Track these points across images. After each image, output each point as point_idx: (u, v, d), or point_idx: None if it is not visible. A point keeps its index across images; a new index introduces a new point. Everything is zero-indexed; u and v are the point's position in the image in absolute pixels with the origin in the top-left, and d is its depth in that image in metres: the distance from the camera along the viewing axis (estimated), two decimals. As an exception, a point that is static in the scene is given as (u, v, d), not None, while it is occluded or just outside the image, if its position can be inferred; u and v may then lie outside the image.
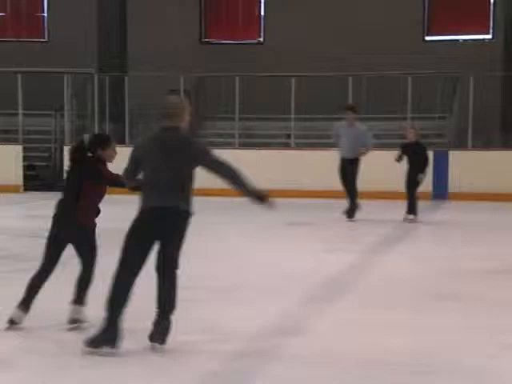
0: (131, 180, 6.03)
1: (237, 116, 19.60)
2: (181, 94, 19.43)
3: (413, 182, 13.69)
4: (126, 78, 20.28)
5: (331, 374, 5.37)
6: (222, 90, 19.80)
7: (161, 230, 5.73)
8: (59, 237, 6.32)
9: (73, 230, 6.29)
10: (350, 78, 19.02)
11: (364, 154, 13.76)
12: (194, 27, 23.09)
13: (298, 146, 19.51)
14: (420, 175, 13.64)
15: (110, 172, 6.37)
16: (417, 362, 5.64)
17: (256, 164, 15.66)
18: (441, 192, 17.56)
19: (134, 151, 5.98)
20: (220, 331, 6.40)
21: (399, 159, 13.75)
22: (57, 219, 6.35)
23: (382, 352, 5.88)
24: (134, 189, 6.06)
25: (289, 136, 20.03)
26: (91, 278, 6.33)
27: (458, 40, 21.91)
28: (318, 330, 6.51)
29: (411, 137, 13.89)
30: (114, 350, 5.62)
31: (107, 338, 5.62)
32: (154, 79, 19.76)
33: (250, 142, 19.65)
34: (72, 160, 6.44)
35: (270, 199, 5.82)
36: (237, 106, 19.45)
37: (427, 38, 22.11)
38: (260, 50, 22.23)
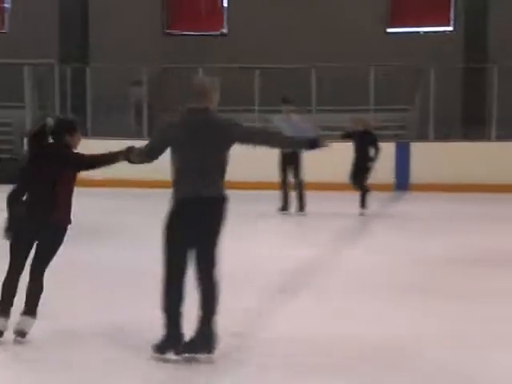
0: (143, 158, 5.60)
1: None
2: (144, 84, 19.35)
3: (360, 171, 13.54)
4: (88, 69, 20.11)
5: (304, 363, 5.43)
6: (185, 81, 19.69)
7: (199, 223, 5.30)
8: (28, 237, 5.72)
9: (47, 229, 5.67)
10: (314, 70, 19.04)
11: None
12: (156, 18, 22.95)
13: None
14: (370, 162, 13.47)
15: (87, 154, 5.75)
16: (383, 354, 5.70)
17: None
18: (403, 183, 17.69)
19: (157, 135, 5.63)
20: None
21: (344, 137, 13.62)
22: (24, 217, 5.65)
23: (353, 344, 5.92)
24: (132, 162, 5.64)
25: (252, 128, 19.98)
26: (43, 284, 5.76)
27: (419, 32, 22.03)
28: (293, 325, 6.50)
29: (359, 126, 13.79)
30: (178, 357, 5.33)
31: (169, 344, 5.34)
32: (116, 70, 19.63)
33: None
34: (34, 147, 5.79)
35: (323, 140, 5.53)
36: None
37: (389, 30, 22.19)
38: (224, 42, 22.18)
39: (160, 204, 6.11)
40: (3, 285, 5.79)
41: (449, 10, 21.96)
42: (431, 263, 9.24)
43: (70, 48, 20.75)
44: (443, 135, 18.60)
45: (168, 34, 23.07)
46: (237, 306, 6.96)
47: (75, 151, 5.83)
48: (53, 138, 5.81)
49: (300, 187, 13.65)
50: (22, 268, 5.76)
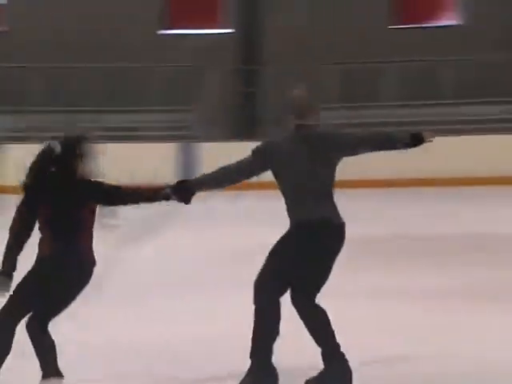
0: (224, 183, 5.10)
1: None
2: None
3: None
4: None
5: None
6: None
7: (314, 251, 4.78)
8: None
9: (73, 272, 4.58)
10: (89, 69, 18.88)
11: None
12: None
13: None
14: None
15: (122, 186, 4.67)
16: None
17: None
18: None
19: (257, 157, 4.97)
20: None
21: None
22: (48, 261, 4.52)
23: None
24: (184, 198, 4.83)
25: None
26: (51, 336, 4.63)
27: (195, 34, 22.24)
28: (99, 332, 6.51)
29: None
30: None
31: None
32: None
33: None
34: (39, 180, 4.56)
35: (427, 134, 4.90)
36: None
37: (165, 32, 22.20)
38: (5, 40, 21.26)
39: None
40: None
41: (225, 12, 22.26)
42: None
43: None
44: (228, 135, 19.11)
45: None
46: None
47: (100, 180, 4.65)
48: (59, 166, 4.60)
49: None
50: (23, 316, 4.57)
